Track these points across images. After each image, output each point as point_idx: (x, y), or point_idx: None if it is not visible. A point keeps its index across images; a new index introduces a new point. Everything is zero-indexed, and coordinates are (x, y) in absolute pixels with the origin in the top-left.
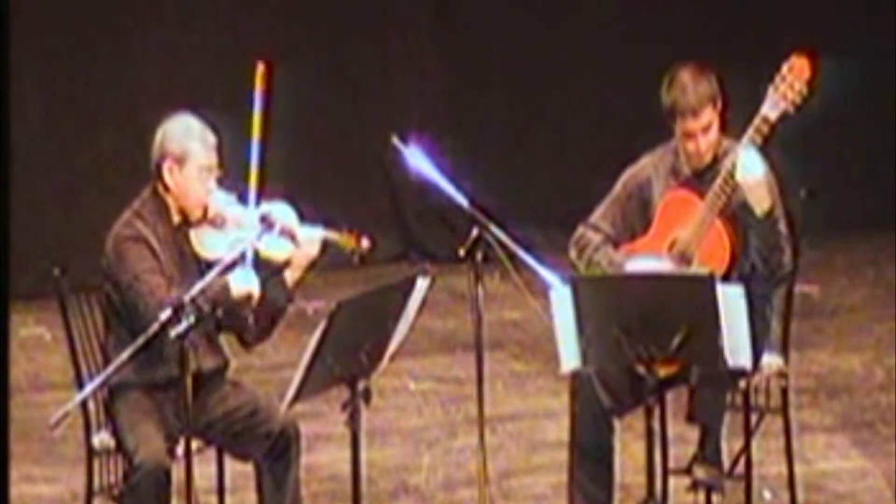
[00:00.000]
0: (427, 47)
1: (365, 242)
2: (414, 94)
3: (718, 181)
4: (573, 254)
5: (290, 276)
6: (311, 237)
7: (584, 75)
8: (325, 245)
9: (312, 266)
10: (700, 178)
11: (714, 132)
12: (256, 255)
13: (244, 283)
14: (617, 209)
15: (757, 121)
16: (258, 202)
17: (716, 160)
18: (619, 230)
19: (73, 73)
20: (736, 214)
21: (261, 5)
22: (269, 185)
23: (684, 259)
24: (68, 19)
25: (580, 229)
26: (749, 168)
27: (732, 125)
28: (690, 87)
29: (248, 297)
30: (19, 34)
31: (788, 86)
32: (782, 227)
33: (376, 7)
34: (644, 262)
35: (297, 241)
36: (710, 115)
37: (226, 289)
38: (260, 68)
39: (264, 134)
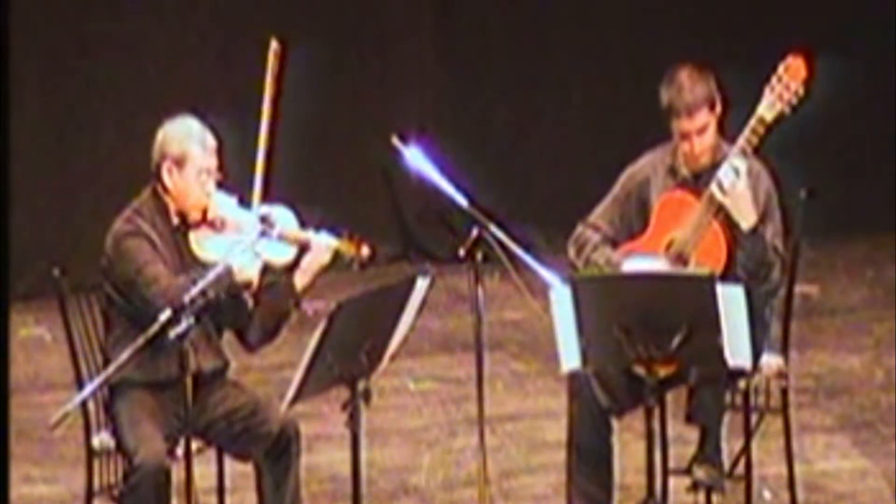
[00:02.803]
0: (427, 47)
1: (365, 250)
2: (414, 94)
3: (707, 192)
4: (572, 252)
5: (300, 280)
6: (324, 245)
7: (584, 75)
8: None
9: (323, 272)
10: (698, 180)
11: (710, 134)
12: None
13: (246, 270)
14: (616, 208)
15: (753, 121)
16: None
17: (714, 163)
18: (618, 229)
19: (73, 73)
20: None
21: (261, 6)
22: (269, 187)
23: (681, 259)
24: (68, 19)
25: (579, 228)
26: (730, 183)
27: (732, 127)
28: (687, 87)
29: (248, 283)
30: (19, 34)
31: (784, 86)
32: (771, 239)
33: (377, 7)
34: (641, 261)
35: (308, 246)
36: (705, 117)
37: (229, 272)
38: (274, 45)
39: (273, 125)
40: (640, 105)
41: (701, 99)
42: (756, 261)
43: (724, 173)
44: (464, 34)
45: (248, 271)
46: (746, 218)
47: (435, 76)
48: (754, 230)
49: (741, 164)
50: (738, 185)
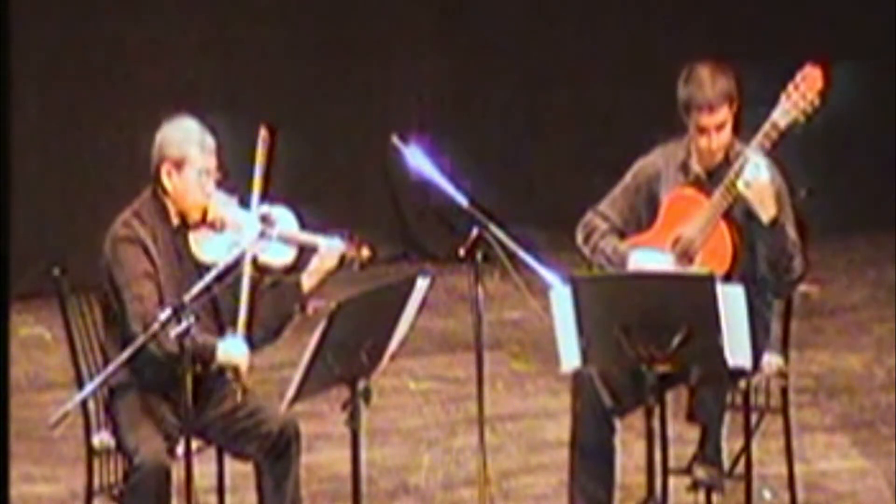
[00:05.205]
0: (428, 47)
1: (365, 252)
2: (414, 94)
3: (722, 186)
4: (580, 238)
5: (308, 282)
6: (334, 249)
7: (584, 75)
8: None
9: (329, 276)
10: (709, 178)
11: (727, 131)
12: (252, 288)
13: (232, 354)
14: (625, 199)
15: (766, 126)
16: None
17: (727, 161)
18: (627, 219)
19: (73, 73)
20: (741, 218)
21: (261, 5)
22: (269, 185)
23: (687, 256)
24: (69, 20)
25: (588, 214)
26: (752, 176)
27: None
28: (708, 82)
29: (235, 369)
30: (19, 34)
31: (801, 95)
32: (791, 232)
33: (377, 7)
34: (647, 254)
35: (316, 249)
36: (725, 113)
37: (212, 352)
38: (263, 133)
39: (265, 190)
40: (641, 104)
41: (722, 95)
42: (777, 252)
43: (746, 166)
44: (464, 34)
45: (236, 357)
46: (767, 210)
47: (435, 76)
48: (775, 222)
49: (761, 160)
50: (761, 178)
